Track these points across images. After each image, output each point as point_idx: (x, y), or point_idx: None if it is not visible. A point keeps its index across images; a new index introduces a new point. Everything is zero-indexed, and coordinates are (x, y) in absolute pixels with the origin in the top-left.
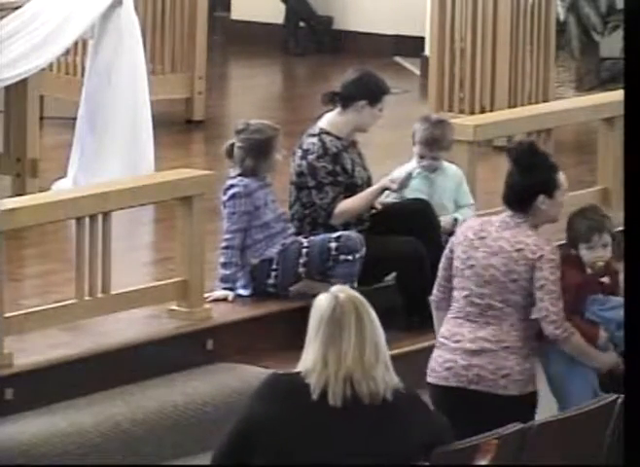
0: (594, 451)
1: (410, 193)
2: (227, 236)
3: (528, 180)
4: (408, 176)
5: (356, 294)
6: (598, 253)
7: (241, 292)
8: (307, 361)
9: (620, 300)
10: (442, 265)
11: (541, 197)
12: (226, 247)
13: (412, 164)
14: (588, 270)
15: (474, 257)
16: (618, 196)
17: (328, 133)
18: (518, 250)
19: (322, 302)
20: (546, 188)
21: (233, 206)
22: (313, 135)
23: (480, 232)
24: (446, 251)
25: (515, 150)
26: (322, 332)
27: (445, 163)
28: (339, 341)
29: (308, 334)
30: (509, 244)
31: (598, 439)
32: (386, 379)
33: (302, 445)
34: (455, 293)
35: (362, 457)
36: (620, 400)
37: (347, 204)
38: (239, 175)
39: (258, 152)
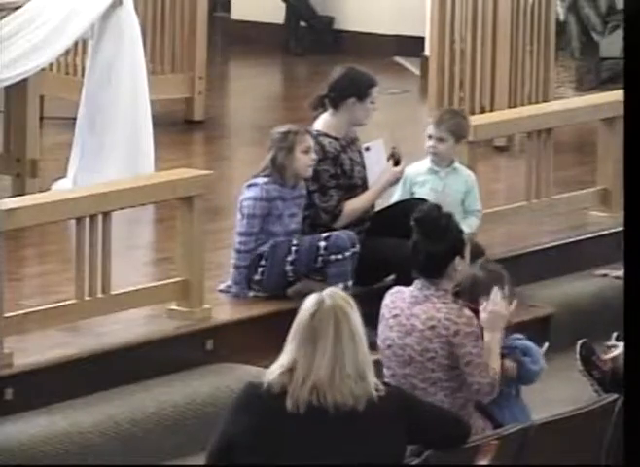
0: (594, 451)
1: (421, 190)
2: (243, 239)
3: (444, 246)
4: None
5: (343, 300)
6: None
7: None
8: (279, 363)
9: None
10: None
11: (457, 259)
12: (238, 250)
13: (426, 162)
14: None
15: (390, 337)
16: (618, 196)
17: (325, 135)
18: (431, 327)
19: (306, 305)
20: (461, 248)
21: (253, 208)
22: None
23: (392, 309)
24: None
25: (424, 219)
26: (298, 337)
27: (459, 165)
28: (313, 352)
29: (289, 335)
30: (420, 322)
31: (598, 439)
32: (355, 392)
33: (272, 451)
34: (385, 371)
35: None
36: (620, 400)
37: (355, 204)
38: (266, 176)
39: (278, 145)
